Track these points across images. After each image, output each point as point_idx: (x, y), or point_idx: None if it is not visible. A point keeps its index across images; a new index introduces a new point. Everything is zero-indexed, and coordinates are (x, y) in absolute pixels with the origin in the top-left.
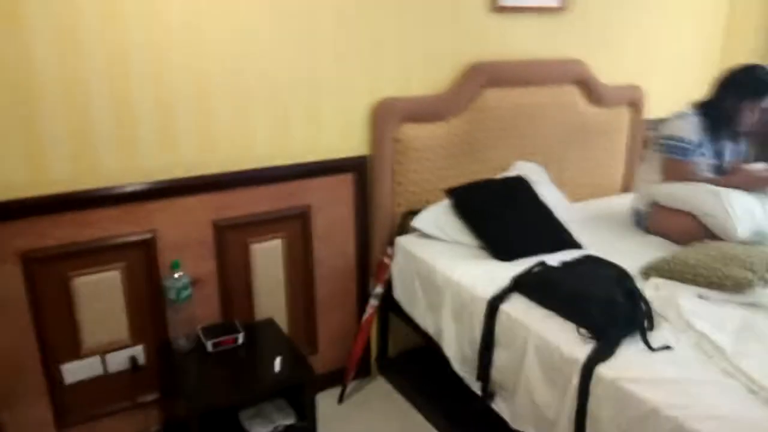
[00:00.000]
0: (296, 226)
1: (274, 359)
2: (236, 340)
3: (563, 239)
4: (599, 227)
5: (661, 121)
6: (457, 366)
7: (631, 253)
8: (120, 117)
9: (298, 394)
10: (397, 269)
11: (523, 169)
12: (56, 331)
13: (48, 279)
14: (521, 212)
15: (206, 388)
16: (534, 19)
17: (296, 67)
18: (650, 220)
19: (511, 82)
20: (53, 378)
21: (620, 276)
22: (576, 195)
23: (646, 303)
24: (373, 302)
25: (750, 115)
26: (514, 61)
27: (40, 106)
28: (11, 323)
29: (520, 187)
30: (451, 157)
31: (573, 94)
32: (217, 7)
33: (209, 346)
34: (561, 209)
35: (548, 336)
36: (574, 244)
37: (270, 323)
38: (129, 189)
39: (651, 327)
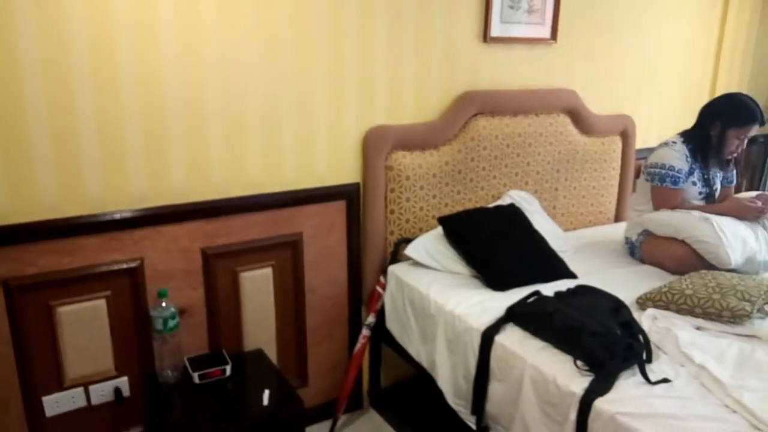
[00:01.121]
0: (287, 254)
1: (262, 391)
2: (224, 371)
3: (557, 269)
4: (593, 257)
5: (650, 150)
6: (451, 399)
7: (625, 283)
8: (107, 143)
9: (287, 428)
10: (390, 298)
11: (515, 197)
12: (38, 361)
13: (30, 308)
14: (514, 241)
15: (192, 422)
16: (524, 50)
17: (288, 95)
18: (643, 250)
19: (503, 111)
20: (34, 410)
21: (616, 306)
22: (569, 224)
23: (644, 334)
24: (365, 332)
25: (735, 143)
26: (505, 91)
27: (25, 131)
28: None
29: (513, 215)
30: (443, 185)
31: (564, 124)
32: (209, 34)
33: (196, 377)
34: (554, 238)
35: (544, 368)
36: (569, 274)
37: (259, 354)
38: (116, 216)
39: (649, 359)
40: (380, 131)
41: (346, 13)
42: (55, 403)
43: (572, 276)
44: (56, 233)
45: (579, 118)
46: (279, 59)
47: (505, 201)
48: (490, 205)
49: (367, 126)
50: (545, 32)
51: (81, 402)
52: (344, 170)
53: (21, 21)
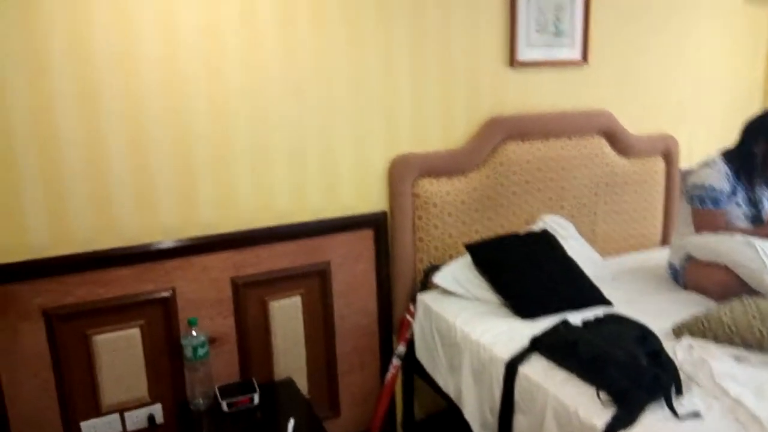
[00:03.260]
0: (315, 283)
1: (288, 421)
2: (252, 399)
3: (590, 296)
4: (633, 283)
5: (688, 172)
6: (477, 431)
7: (665, 311)
8: (139, 176)
9: None
10: (419, 327)
11: (549, 222)
12: (77, 387)
13: (69, 336)
14: (545, 267)
15: None
16: (554, 73)
17: (313, 125)
18: (687, 275)
19: (533, 135)
20: None
21: (643, 335)
22: (611, 249)
23: (673, 364)
24: (396, 362)
25: None
26: (534, 114)
27: (62, 168)
28: (33, 378)
29: (544, 241)
30: (473, 211)
31: (600, 146)
32: (235, 69)
33: (224, 405)
34: (590, 264)
35: (567, 400)
36: (603, 301)
37: (289, 383)
38: (148, 248)
39: (679, 391)
40: (406, 159)
41: (368, 43)
42: (92, 429)
43: (606, 303)
44: (92, 265)
45: (616, 139)
46: (304, 90)
47: (538, 226)
48: (522, 232)
49: (393, 154)
50: (575, 54)
51: (117, 428)
52: (371, 199)
53: (56, 60)
